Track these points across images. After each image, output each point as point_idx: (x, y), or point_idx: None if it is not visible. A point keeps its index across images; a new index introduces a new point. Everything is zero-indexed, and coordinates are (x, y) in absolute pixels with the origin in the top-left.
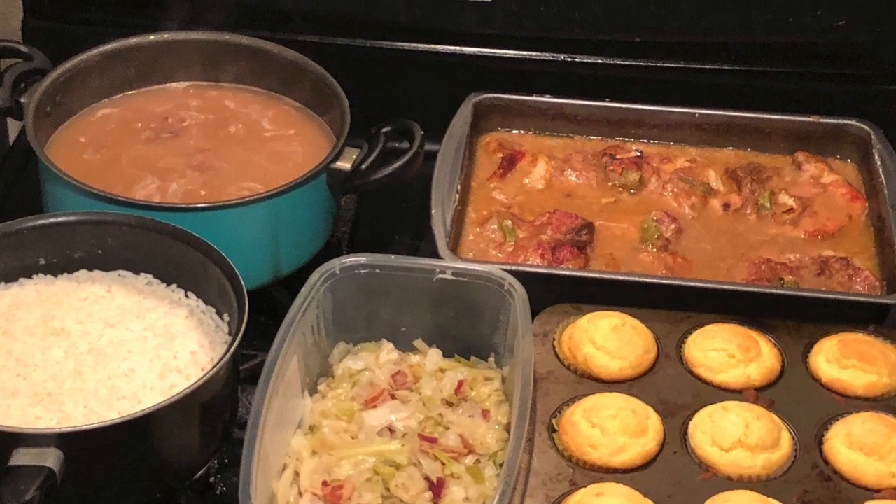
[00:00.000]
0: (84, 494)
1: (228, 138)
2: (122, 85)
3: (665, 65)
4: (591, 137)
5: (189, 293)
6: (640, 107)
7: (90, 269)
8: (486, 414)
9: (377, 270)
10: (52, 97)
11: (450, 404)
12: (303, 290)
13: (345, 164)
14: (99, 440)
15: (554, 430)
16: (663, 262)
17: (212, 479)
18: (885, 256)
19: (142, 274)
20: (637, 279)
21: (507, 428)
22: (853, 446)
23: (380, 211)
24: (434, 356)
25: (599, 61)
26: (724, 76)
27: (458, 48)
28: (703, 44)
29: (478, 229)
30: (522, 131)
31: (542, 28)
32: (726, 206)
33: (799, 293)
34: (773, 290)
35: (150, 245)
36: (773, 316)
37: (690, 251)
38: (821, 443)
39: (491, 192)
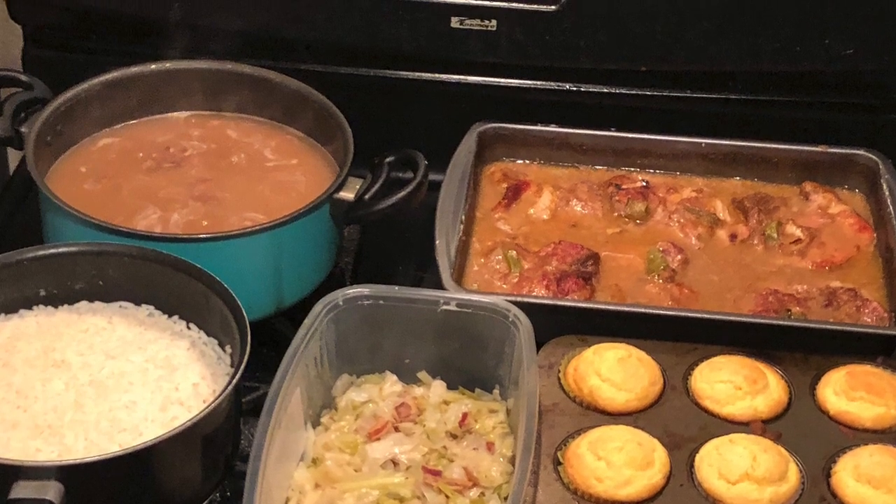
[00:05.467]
0: None
1: (230, 168)
2: (124, 114)
3: (671, 94)
4: (597, 167)
5: (191, 325)
6: (646, 136)
7: (91, 300)
8: (490, 446)
9: (381, 302)
10: (52, 127)
11: (454, 437)
12: (306, 321)
13: (348, 195)
14: (100, 473)
15: (559, 463)
16: (669, 293)
17: None
18: (893, 287)
19: (143, 305)
20: (643, 310)
21: (512, 461)
22: (861, 479)
23: (383, 241)
24: (438, 388)
25: (605, 90)
26: (731, 105)
27: (462, 77)
28: (710, 73)
29: (482, 260)
30: (527, 161)
31: (547, 57)
32: (733, 236)
33: (806, 325)
34: (781, 322)
35: (151, 276)
36: (780, 348)
37: (697, 282)
38: (828, 475)
39: (495, 223)
